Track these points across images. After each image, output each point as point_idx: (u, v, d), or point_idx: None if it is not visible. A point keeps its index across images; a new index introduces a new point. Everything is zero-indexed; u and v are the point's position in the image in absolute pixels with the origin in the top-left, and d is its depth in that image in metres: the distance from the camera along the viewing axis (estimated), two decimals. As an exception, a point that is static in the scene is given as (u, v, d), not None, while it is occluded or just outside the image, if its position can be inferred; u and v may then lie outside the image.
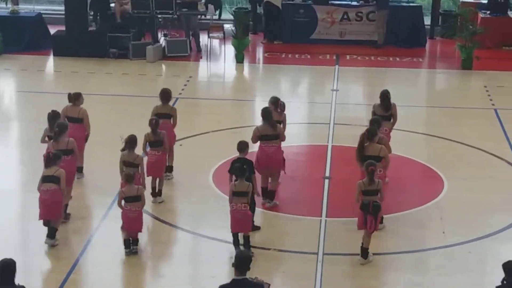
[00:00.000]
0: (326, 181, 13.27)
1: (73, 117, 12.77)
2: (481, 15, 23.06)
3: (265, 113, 12.25)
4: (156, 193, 12.37)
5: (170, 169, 13.13)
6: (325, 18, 23.41)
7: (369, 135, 11.52)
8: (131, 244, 10.80)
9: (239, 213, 10.69)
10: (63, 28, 21.52)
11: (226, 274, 9.94)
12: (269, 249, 10.98)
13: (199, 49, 22.22)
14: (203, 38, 22.35)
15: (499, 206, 12.43)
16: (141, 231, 10.93)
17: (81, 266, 10.64)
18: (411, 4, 24.70)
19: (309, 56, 22.16)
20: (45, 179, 10.85)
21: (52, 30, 22.01)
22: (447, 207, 12.30)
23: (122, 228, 11.07)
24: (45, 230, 10.95)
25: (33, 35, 21.89)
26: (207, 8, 22.86)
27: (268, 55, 22.68)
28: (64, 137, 11.61)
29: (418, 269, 10.66)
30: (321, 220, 11.91)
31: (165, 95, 13.09)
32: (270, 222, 11.85)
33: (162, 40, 21.98)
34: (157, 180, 12.40)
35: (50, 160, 10.88)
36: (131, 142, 11.60)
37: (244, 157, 11.39)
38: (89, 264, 10.77)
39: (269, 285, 8.25)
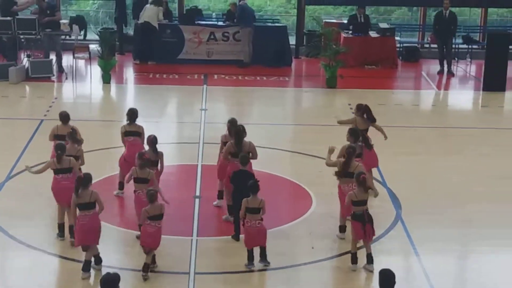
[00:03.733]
0: (197, 200, 13.25)
1: (63, 135, 12.62)
2: (343, 34, 23.73)
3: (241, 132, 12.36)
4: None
5: (121, 185, 13.30)
6: (192, 38, 23.52)
7: (354, 152, 11.67)
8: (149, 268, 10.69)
9: (254, 229, 10.83)
10: None
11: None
12: (139, 270, 10.83)
13: (61, 70, 21.84)
14: (68, 59, 21.98)
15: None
16: (157, 247, 10.76)
17: None
18: (276, 25, 25.21)
19: (177, 76, 22.18)
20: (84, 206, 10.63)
21: None
22: (315, 222, 12.50)
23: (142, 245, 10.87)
24: None
25: None
26: (71, 28, 22.51)
27: (136, 76, 22.54)
28: (65, 157, 11.64)
29: (290, 285, 10.76)
30: (192, 239, 11.87)
31: (133, 114, 13.26)
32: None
33: (25, 61, 21.46)
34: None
35: (81, 182, 10.68)
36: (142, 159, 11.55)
37: (246, 169, 11.66)
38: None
39: (141, 306, 8.16)
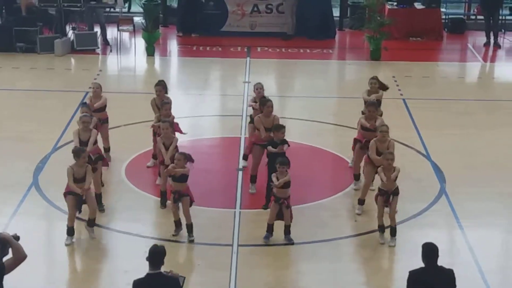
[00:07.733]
0: (240, 172, 13.28)
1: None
2: (388, 6, 23.48)
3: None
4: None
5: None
6: (236, 10, 23.46)
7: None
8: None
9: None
10: (-33, 22, 20.98)
11: (140, 268, 9.84)
12: (183, 242, 10.93)
13: (106, 42, 21.97)
14: (113, 31, 22.09)
15: (409, 194, 12.65)
16: None
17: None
18: (320, -4, 24.96)
19: (220, 49, 22.17)
20: None
21: (-44, 24, 21.41)
22: (359, 196, 12.45)
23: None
24: None
25: None
26: (116, 0, 22.60)
27: (180, 48, 22.59)
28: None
29: (332, 258, 10.76)
30: (235, 211, 11.93)
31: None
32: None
33: (70, 34, 21.63)
34: None
35: None
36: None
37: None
38: None
39: (184, 278, 8.19)
